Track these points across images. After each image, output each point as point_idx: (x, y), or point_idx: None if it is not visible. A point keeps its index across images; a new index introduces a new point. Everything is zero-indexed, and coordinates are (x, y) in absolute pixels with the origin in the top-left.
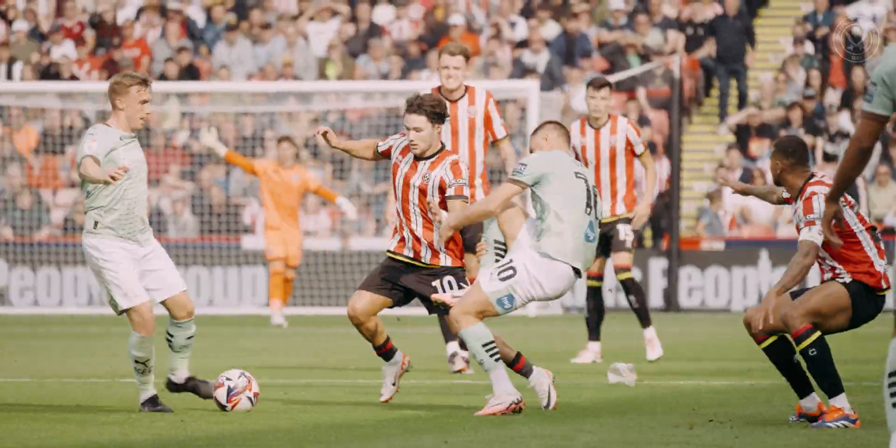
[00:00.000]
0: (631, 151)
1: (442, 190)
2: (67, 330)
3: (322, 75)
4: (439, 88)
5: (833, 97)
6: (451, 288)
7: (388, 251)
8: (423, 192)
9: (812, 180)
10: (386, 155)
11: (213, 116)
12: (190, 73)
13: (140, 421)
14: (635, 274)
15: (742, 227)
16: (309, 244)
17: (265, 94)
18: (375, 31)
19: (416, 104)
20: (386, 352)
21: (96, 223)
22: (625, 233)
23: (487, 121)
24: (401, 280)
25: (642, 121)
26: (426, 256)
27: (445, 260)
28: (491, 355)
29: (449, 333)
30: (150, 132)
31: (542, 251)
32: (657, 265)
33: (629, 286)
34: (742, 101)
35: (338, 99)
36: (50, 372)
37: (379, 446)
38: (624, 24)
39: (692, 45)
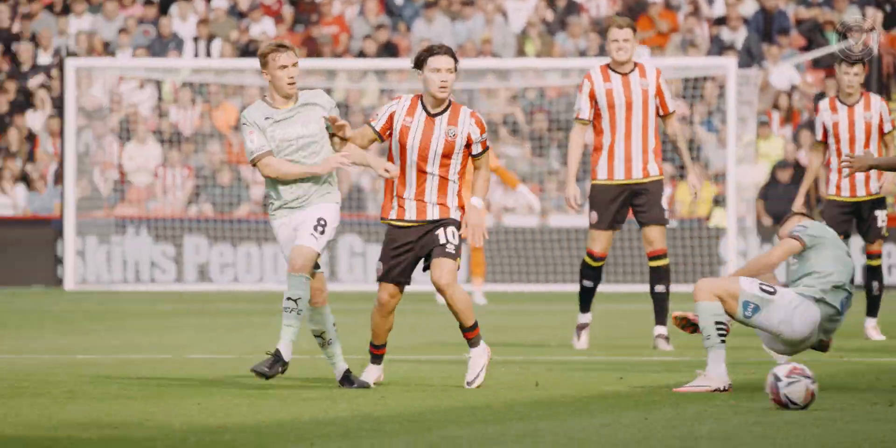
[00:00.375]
0: (880, 129)
1: (468, 144)
2: (267, 307)
3: (521, 52)
4: (608, 65)
5: None
6: (453, 237)
7: (391, 220)
8: (446, 154)
9: None
10: (386, 130)
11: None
12: (388, 50)
13: (341, 396)
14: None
15: None
16: (508, 221)
17: (464, 71)
18: (573, 8)
19: (444, 48)
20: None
21: (271, 204)
22: (882, 220)
23: (660, 94)
24: (412, 252)
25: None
26: (434, 213)
27: (455, 212)
28: (719, 334)
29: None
30: (348, 109)
31: (805, 293)
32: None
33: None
34: None
35: (536, 76)
36: (251, 347)
37: (581, 423)
38: (822, 2)
39: (890, 21)
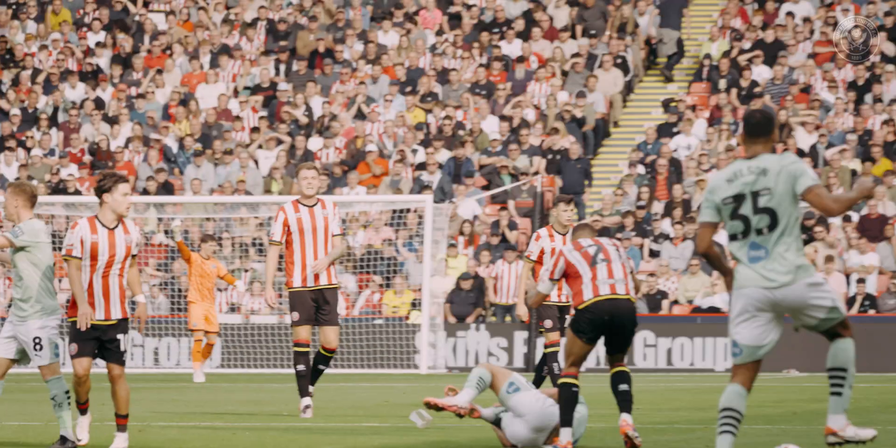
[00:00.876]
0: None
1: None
2: None
3: (267, 190)
4: (298, 200)
5: (658, 207)
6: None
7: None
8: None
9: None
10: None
11: (184, 221)
12: (166, 188)
13: None
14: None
15: None
16: (254, 319)
17: (223, 205)
18: (309, 156)
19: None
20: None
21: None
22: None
23: (335, 219)
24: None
25: (511, 226)
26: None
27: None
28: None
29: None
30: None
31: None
32: None
33: None
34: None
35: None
36: None
37: None
38: (499, 151)
39: (551, 168)
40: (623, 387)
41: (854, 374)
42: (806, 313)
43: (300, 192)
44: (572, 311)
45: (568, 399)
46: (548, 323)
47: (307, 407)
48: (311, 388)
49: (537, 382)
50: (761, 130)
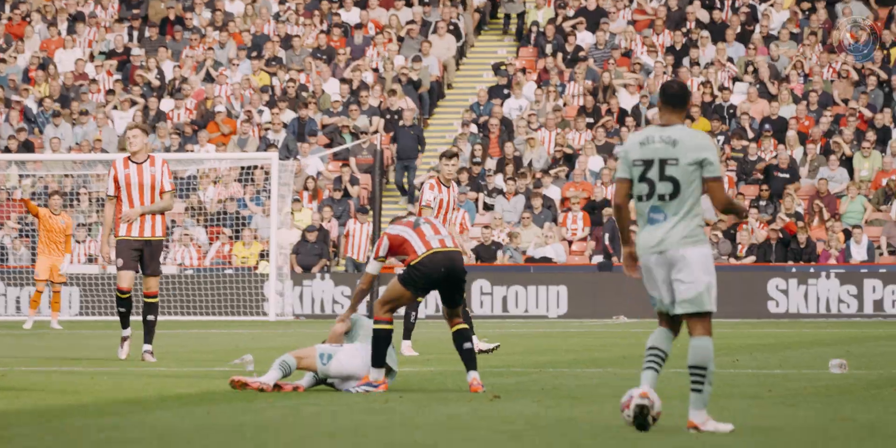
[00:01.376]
0: None
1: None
2: None
3: (122, 148)
4: (128, 157)
5: (491, 164)
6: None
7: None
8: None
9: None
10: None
11: (43, 178)
12: (26, 146)
13: None
14: None
15: None
16: (110, 269)
17: (81, 162)
18: (161, 116)
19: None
20: None
21: None
22: None
23: (162, 177)
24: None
25: (353, 181)
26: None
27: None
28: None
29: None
30: None
31: None
32: None
33: None
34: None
35: None
36: None
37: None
38: (340, 111)
39: (389, 127)
40: (467, 345)
41: (713, 370)
42: (672, 287)
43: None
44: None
45: (385, 340)
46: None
47: (146, 352)
48: (137, 336)
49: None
50: (677, 101)
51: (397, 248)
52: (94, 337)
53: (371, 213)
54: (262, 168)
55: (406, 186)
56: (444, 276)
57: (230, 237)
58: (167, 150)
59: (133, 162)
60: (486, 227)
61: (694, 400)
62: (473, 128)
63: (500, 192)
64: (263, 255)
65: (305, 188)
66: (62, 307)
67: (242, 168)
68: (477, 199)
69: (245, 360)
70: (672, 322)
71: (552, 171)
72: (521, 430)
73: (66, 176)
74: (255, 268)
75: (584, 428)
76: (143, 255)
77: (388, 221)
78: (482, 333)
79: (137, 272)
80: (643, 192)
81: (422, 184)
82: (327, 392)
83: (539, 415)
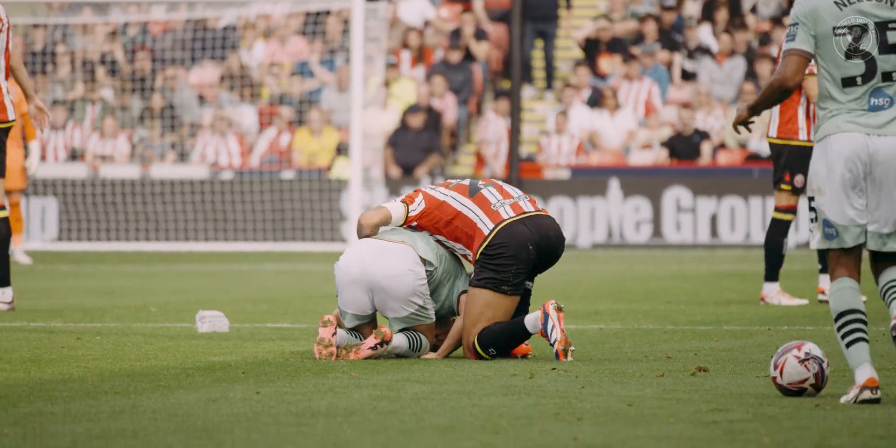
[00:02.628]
0: None
1: None
2: None
3: None
4: None
5: (693, 8)
6: None
7: None
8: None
9: None
10: None
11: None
12: None
13: None
14: None
15: (590, 153)
16: (105, 171)
17: (58, 5)
18: None
19: None
20: None
21: None
22: None
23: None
24: None
25: (479, 34)
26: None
27: None
28: None
29: None
30: None
31: None
32: None
33: None
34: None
35: (139, 10)
36: None
37: (185, 398)
38: None
39: None
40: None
41: None
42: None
43: None
44: None
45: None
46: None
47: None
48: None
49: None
50: None
51: (442, 225)
52: (82, 275)
53: (511, 86)
54: (338, 14)
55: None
56: (536, 255)
57: (290, 122)
58: None
59: None
60: (685, 106)
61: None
62: None
63: (707, 51)
64: (341, 151)
65: (405, 46)
66: (30, 229)
67: (308, 14)
68: (670, 64)
69: (207, 319)
70: (857, 264)
71: (786, 20)
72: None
73: (36, 27)
74: (329, 169)
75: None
76: None
77: (536, 96)
78: (681, 272)
79: None
80: (855, 72)
81: None
82: (435, 363)
83: (768, 397)
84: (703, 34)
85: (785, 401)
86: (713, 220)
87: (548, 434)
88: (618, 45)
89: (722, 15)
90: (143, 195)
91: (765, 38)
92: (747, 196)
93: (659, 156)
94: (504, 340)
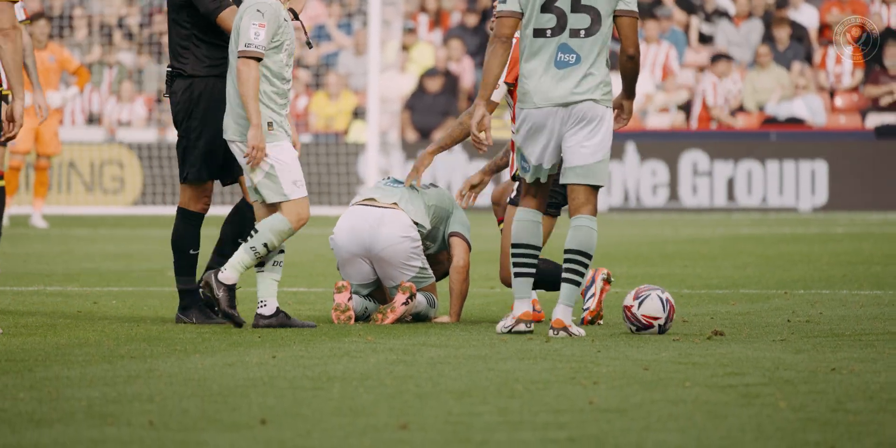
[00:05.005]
0: None
1: None
2: None
3: None
4: None
5: None
6: None
7: None
8: None
9: None
10: None
11: None
12: None
13: None
14: None
15: None
16: (122, 135)
17: None
18: None
19: None
20: None
21: None
22: None
23: None
24: None
25: None
26: None
27: None
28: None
29: None
30: None
31: None
32: None
33: None
34: None
35: None
36: None
37: (202, 362)
38: None
39: None
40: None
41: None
42: (568, 144)
43: None
44: None
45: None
46: None
47: None
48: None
49: None
50: None
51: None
52: (98, 239)
53: None
54: None
55: None
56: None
57: (307, 85)
58: None
59: None
60: (702, 69)
61: (568, 293)
62: None
63: (724, 14)
64: (358, 115)
65: (423, 9)
66: (52, 193)
67: None
68: (688, 26)
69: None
70: (543, 196)
71: None
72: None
73: None
74: (346, 133)
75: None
76: None
77: None
78: (699, 236)
79: None
80: (547, 24)
81: None
82: (451, 327)
83: (784, 361)
84: None
85: (801, 365)
86: (730, 183)
87: (564, 398)
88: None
89: None
90: (161, 158)
91: (782, 2)
92: (764, 159)
93: (676, 119)
94: (548, 284)
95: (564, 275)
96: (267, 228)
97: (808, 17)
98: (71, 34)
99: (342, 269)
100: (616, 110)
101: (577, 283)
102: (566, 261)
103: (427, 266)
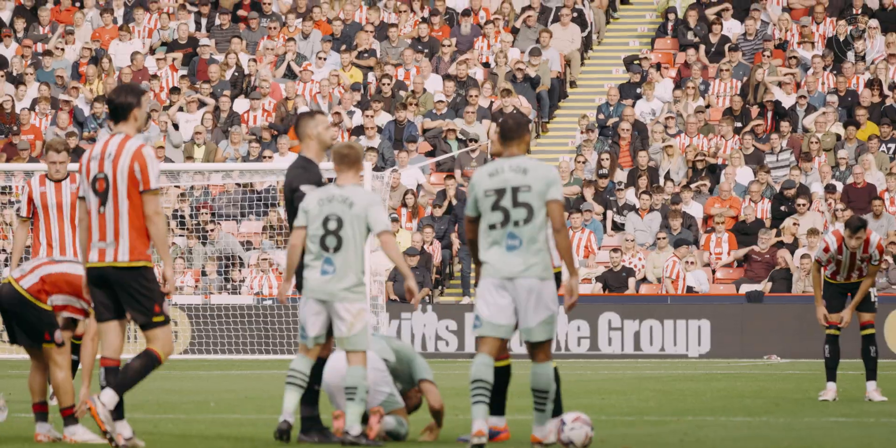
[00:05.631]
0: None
1: None
2: None
3: (189, 157)
4: (47, 174)
5: (621, 176)
6: None
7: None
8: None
9: None
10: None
11: None
12: (77, 154)
13: None
14: None
15: None
16: (176, 299)
17: None
18: (235, 118)
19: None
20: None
21: None
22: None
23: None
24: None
25: (459, 196)
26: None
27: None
28: None
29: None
30: None
31: None
32: None
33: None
34: None
35: (202, 176)
36: None
37: None
38: (445, 114)
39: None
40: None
41: (554, 391)
42: (527, 316)
43: (49, 174)
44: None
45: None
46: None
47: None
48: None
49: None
50: (514, 134)
51: None
52: (157, 378)
53: None
54: None
55: None
56: None
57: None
58: (244, 159)
59: (51, 179)
60: (616, 250)
61: (538, 418)
62: (600, 133)
63: (633, 208)
64: None
65: (404, 204)
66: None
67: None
68: (605, 217)
69: None
70: (498, 348)
71: (693, 185)
72: None
73: None
74: None
75: None
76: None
77: None
78: (613, 376)
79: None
80: (497, 220)
81: None
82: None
83: None
84: (629, 195)
85: None
86: (636, 336)
87: None
88: (566, 205)
89: (643, 181)
90: (206, 317)
91: (676, 198)
92: (662, 318)
93: (595, 287)
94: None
95: (535, 407)
96: (360, 379)
97: (695, 209)
98: None
99: (333, 401)
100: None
101: (542, 411)
102: (536, 398)
103: (396, 393)
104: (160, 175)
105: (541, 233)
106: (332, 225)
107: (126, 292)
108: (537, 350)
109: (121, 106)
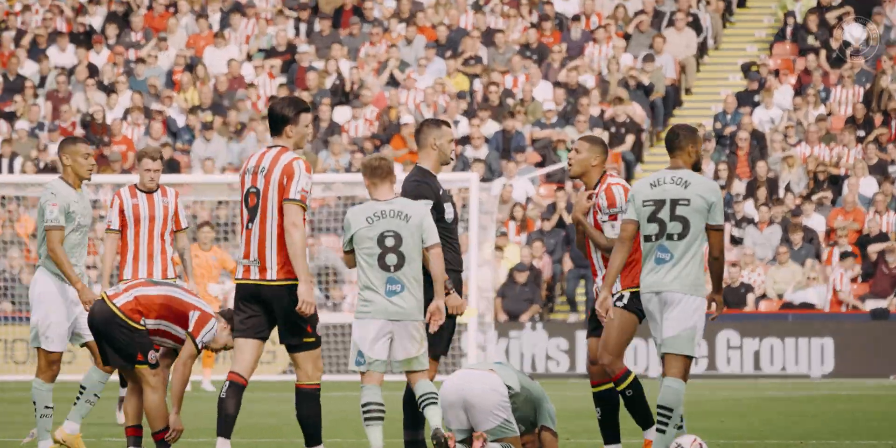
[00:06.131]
0: None
1: None
2: None
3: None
4: (136, 185)
5: (739, 187)
6: None
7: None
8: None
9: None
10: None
11: (191, 205)
12: (171, 166)
13: None
14: None
15: None
16: None
17: (227, 184)
18: (336, 128)
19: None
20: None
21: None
22: None
23: (176, 212)
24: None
25: (570, 209)
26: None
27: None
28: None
29: None
30: None
31: None
32: None
33: None
34: None
35: None
36: None
37: None
38: (554, 123)
39: (615, 141)
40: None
41: (680, 413)
42: (664, 327)
43: (141, 184)
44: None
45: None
46: None
47: None
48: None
49: None
50: (671, 145)
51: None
52: (254, 400)
53: None
54: (459, 192)
55: None
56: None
57: None
58: (346, 170)
59: (142, 191)
60: (734, 264)
61: (658, 440)
62: (718, 142)
63: (751, 221)
64: None
65: (512, 217)
66: (218, 363)
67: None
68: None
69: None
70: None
71: (814, 197)
72: None
73: (221, 203)
74: None
75: None
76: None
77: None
78: (732, 397)
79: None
80: (653, 232)
81: None
82: None
83: None
84: (748, 207)
85: None
86: (756, 355)
87: None
88: None
89: (762, 192)
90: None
91: (796, 211)
92: (783, 336)
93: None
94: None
95: (657, 426)
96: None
97: (817, 222)
98: (233, 238)
99: (444, 418)
100: (711, 303)
101: (662, 432)
102: (658, 415)
103: (513, 420)
104: (311, 189)
105: (692, 248)
106: (390, 242)
107: (281, 310)
108: (669, 364)
109: (275, 119)
